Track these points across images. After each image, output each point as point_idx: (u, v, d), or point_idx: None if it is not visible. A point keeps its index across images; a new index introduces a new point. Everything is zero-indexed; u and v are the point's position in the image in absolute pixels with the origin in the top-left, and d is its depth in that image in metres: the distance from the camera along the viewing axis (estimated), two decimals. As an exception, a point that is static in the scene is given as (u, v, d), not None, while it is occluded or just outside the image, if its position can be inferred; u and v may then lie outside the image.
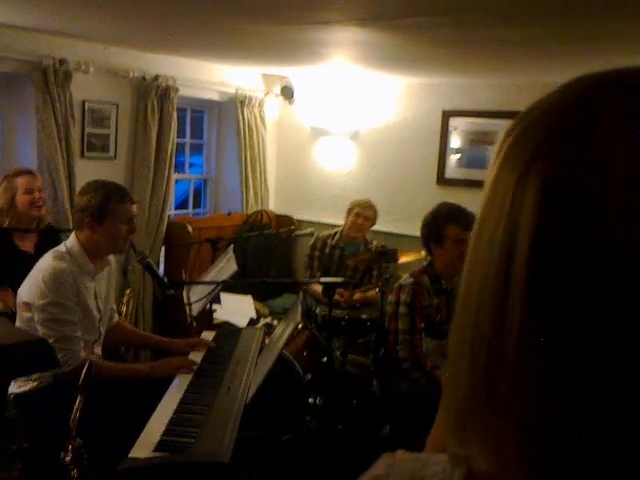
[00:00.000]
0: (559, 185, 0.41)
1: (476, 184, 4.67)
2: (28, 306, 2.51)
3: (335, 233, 4.56)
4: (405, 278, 3.18)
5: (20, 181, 3.33)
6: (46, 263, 2.55)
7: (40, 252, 3.25)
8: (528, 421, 0.42)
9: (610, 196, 0.39)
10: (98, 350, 2.78)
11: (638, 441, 0.39)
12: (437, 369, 3.00)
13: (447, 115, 4.94)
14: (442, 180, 5.00)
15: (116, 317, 3.02)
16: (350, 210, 4.54)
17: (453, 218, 3.04)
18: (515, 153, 0.45)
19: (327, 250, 4.57)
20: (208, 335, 3.13)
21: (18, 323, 2.56)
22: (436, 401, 0.53)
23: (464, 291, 0.47)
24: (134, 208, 2.70)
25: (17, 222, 3.30)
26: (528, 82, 4.51)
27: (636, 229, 0.38)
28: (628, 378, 0.39)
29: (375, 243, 4.65)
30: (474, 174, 4.82)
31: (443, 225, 3.04)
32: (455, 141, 4.96)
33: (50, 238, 3.38)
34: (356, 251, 4.50)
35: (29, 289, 2.52)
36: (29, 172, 3.41)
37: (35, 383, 2.50)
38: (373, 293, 4.46)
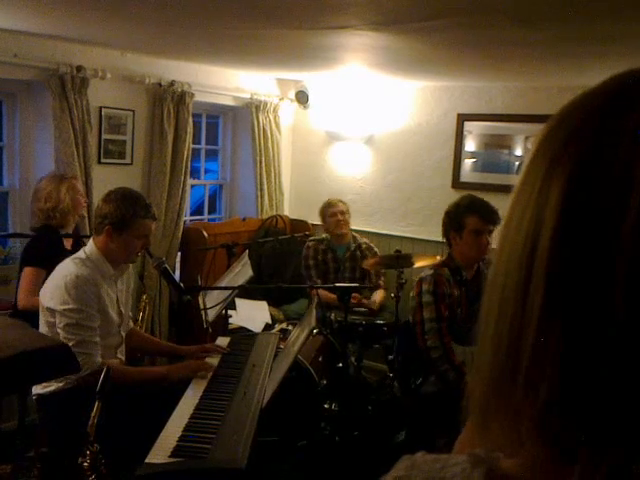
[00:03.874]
0: (581, 183, 0.44)
1: (491, 188, 4.63)
2: (52, 311, 2.53)
3: (322, 239, 4.63)
4: (425, 271, 3.19)
5: (76, 184, 3.50)
6: (67, 269, 2.57)
7: (74, 251, 3.35)
8: (546, 404, 0.43)
9: (632, 199, 0.41)
10: (122, 355, 2.80)
11: None
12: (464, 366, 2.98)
13: (462, 119, 4.92)
14: (457, 184, 4.97)
15: (131, 324, 3.04)
16: (325, 214, 4.68)
17: (474, 209, 3.08)
18: (544, 149, 0.48)
19: (320, 256, 4.65)
20: (223, 341, 3.13)
21: (41, 327, 2.58)
22: (461, 401, 0.52)
23: (492, 272, 0.50)
24: (154, 225, 2.73)
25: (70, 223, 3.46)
26: (544, 85, 4.48)
27: None
28: None
29: (364, 239, 4.76)
30: (489, 178, 4.78)
31: (463, 214, 3.08)
32: (470, 145, 4.93)
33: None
34: (348, 250, 4.63)
35: (51, 294, 2.55)
36: (75, 177, 3.60)
37: (61, 383, 2.52)
38: (381, 295, 4.48)
